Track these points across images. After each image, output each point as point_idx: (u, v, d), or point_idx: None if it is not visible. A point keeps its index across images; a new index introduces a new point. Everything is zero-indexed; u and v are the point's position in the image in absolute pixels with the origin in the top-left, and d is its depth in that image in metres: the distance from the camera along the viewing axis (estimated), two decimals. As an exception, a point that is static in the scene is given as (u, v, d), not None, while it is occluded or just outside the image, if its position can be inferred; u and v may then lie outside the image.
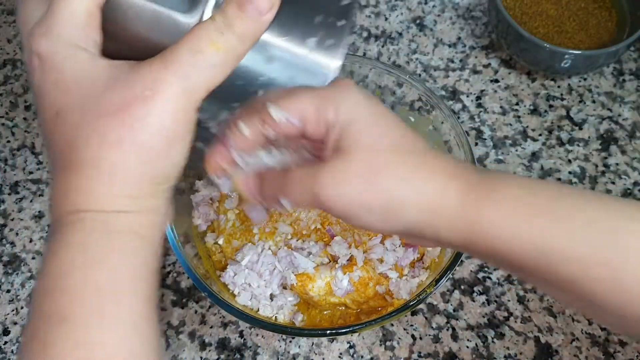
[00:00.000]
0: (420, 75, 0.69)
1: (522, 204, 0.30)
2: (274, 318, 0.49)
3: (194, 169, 0.50)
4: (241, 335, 0.54)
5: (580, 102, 0.67)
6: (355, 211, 0.32)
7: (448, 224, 0.31)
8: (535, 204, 0.30)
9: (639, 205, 0.30)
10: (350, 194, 0.31)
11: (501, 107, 0.67)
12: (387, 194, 0.31)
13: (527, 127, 0.66)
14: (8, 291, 0.57)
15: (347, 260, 0.48)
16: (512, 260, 0.31)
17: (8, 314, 0.56)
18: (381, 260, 0.49)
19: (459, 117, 0.66)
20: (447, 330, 0.55)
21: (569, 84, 0.68)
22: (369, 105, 0.33)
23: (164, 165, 0.30)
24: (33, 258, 0.59)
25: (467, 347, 0.54)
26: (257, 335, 0.54)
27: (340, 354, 0.54)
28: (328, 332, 0.44)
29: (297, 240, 0.50)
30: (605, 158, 0.64)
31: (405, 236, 0.36)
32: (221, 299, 0.45)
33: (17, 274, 0.58)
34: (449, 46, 0.71)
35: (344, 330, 0.44)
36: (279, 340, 0.54)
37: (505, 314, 0.55)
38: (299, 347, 0.54)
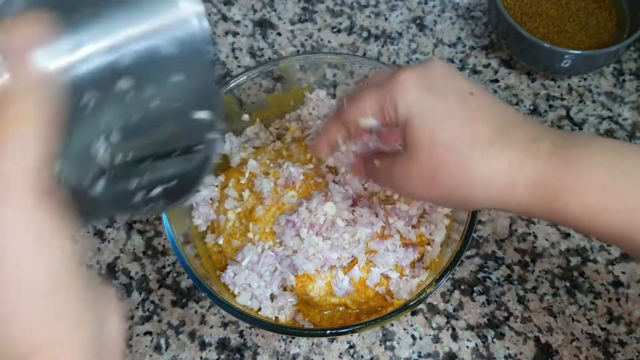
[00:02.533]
0: (420, 75, 0.69)
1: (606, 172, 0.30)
2: (274, 318, 0.49)
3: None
4: (241, 335, 0.55)
5: (580, 102, 0.67)
6: (430, 201, 0.37)
7: (522, 206, 0.31)
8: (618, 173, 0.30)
9: None
10: (418, 191, 0.34)
11: (501, 107, 0.67)
12: (449, 190, 0.32)
13: (527, 127, 0.66)
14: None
15: (349, 262, 0.48)
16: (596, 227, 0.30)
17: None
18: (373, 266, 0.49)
19: (459, 117, 0.66)
20: (447, 330, 0.55)
21: (569, 84, 0.68)
22: (423, 100, 0.33)
23: None
24: (33, 258, 0.59)
25: (467, 347, 0.54)
26: (257, 335, 0.54)
27: (340, 354, 0.54)
28: (328, 332, 0.44)
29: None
30: (605, 158, 0.64)
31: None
32: (221, 299, 0.45)
33: (17, 274, 0.58)
34: (449, 46, 0.71)
35: (344, 330, 0.44)
36: (279, 340, 0.54)
37: (505, 314, 0.55)
38: (299, 347, 0.54)
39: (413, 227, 0.49)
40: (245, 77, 0.54)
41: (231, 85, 0.54)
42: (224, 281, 0.49)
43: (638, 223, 0.29)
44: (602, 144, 0.31)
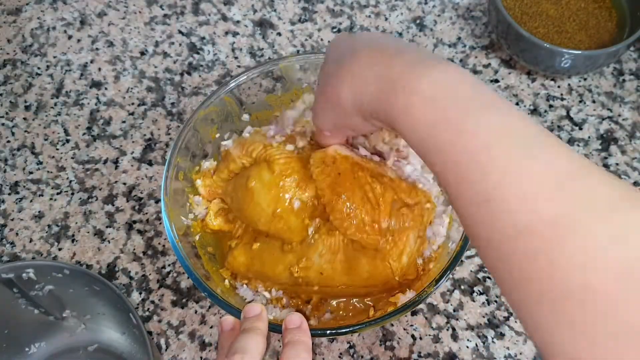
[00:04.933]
0: (420, 75, 0.69)
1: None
2: (272, 318, 0.49)
3: None
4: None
5: (580, 102, 0.67)
6: (320, 117, 0.41)
7: (372, 103, 0.35)
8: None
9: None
10: (316, 107, 0.41)
11: (501, 107, 0.67)
12: (332, 95, 0.37)
13: (527, 127, 0.66)
14: (8, 291, 0.57)
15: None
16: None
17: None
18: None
19: (459, 117, 0.66)
20: (447, 330, 0.55)
21: (569, 84, 0.68)
22: (339, 44, 0.41)
23: None
24: (33, 258, 0.59)
25: (467, 347, 0.54)
26: (257, 335, 0.54)
27: (340, 354, 0.54)
28: (328, 332, 0.44)
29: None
30: (605, 158, 0.64)
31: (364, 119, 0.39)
32: (221, 299, 0.45)
33: (17, 274, 0.58)
34: (449, 46, 0.71)
35: (344, 330, 0.44)
36: (279, 340, 0.54)
37: (505, 314, 0.55)
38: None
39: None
40: (245, 77, 0.54)
41: (231, 85, 0.54)
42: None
43: (438, 132, 0.30)
44: (451, 68, 0.32)
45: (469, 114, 0.29)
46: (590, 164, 0.27)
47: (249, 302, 0.50)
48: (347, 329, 0.44)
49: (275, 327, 0.42)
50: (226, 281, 0.50)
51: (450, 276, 0.56)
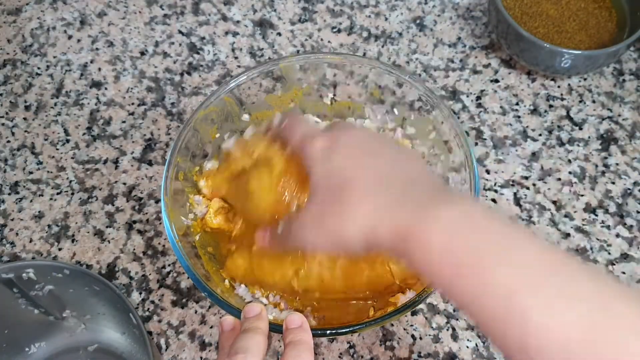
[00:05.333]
0: (420, 75, 0.69)
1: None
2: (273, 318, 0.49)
3: None
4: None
5: (580, 102, 0.67)
6: (316, 245, 0.38)
7: (383, 246, 0.35)
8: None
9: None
10: (308, 236, 0.39)
11: (501, 107, 0.67)
12: (330, 230, 0.37)
13: (527, 127, 0.66)
14: (8, 291, 0.57)
15: None
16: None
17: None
18: None
19: (459, 117, 0.66)
20: (447, 330, 0.55)
21: (569, 84, 0.68)
22: (324, 159, 0.39)
23: None
24: (33, 258, 0.59)
25: (467, 347, 0.54)
26: (257, 335, 0.54)
27: (340, 354, 0.54)
28: (328, 332, 0.44)
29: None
30: (605, 158, 0.64)
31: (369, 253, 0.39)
32: (221, 299, 0.45)
33: (17, 274, 0.58)
34: (449, 46, 0.71)
35: (343, 330, 0.44)
36: (279, 340, 0.54)
37: (505, 314, 0.55)
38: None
39: None
40: (245, 77, 0.54)
41: (231, 85, 0.54)
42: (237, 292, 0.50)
43: (459, 281, 0.30)
44: (459, 206, 0.33)
45: (484, 264, 0.30)
46: (611, 293, 0.28)
47: (249, 302, 0.50)
48: (347, 329, 0.44)
49: (275, 327, 0.42)
50: (226, 281, 0.50)
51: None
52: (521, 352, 0.28)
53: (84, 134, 0.66)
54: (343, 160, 0.39)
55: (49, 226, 0.61)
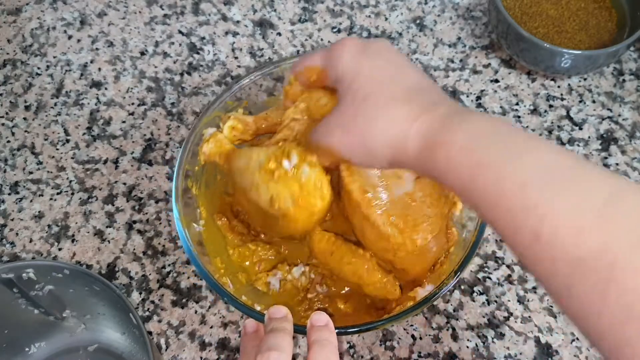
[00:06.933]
0: (420, 75, 0.69)
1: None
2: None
3: None
4: (241, 335, 0.54)
5: (580, 102, 0.67)
6: (345, 153, 0.38)
7: (411, 157, 0.35)
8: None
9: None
10: (333, 140, 0.39)
11: (501, 107, 0.67)
12: (358, 136, 0.37)
13: (527, 127, 0.66)
14: (8, 291, 0.57)
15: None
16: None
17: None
18: None
19: (459, 117, 0.66)
20: (447, 330, 0.55)
21: (569, 84, 0.68)
22: (355, 60, 0.39)
23: None
24: (33, 258, 0.59)
25: (467, 347, 0.54)
26: (257, 335, 0.54)
27: (340, 354, 0.54)
28: (350, 329, 0.44)
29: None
30: (605, 158, 0.64)
31: (392, 168, 0.39)
32: (242, 303, 0.45)
33: (17, 274, 0.58)
34: (449, 46, 0.71)
35: (343, 330, 0.44)
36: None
37: (505, 314, 0.55)
38: (299, 347, 0.54)
39: None
40: (248, 80, 0.54)
41: (234, 89, 0.54)
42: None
43: (478, 178, 0.31)
44: (484, 117, 0.34)
45: (503, 158, 0.31)
46: (624, 186, 0.28)
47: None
48: (347, 329, 0.44)
49: (299, 328, 0.42)
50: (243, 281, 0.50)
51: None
52: (532, 244, 0.28)
53: (84, 134, 0.66)
54: (373, 64, 0.39)
55: (49, 226, 0.61)
